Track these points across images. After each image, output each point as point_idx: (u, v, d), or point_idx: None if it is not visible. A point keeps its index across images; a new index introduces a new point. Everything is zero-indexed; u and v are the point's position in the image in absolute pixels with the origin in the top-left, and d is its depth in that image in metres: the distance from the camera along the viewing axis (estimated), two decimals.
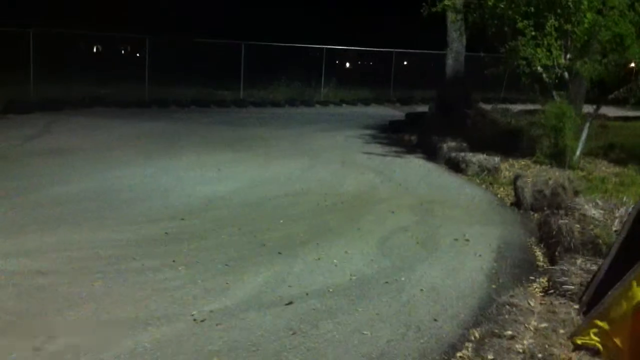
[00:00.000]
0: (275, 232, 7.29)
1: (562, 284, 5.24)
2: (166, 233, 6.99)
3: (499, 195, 10.05)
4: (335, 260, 6.37)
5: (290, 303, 5.17)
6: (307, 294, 5.39)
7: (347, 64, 28.22)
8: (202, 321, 4.72)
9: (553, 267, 5.84)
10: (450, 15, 15.95)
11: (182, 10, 28.81)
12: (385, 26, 27.99)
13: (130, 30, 25.73)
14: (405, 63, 29.86)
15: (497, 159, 11.75)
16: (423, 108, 22.50)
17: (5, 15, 21.96)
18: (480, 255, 6.83)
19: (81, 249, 6.26)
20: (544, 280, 5.87)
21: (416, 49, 28.19)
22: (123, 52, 27.21)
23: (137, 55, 26.69)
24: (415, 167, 12.47)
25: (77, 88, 20.61)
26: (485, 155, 11.93)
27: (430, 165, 12.65)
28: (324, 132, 16.94)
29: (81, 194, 8.53)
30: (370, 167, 11.96)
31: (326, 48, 26.45)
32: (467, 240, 7.41)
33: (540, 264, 6.73)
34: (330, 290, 5.54)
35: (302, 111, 23.11)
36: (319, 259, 6.39)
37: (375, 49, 28.40)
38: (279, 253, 6.50)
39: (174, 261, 6.04)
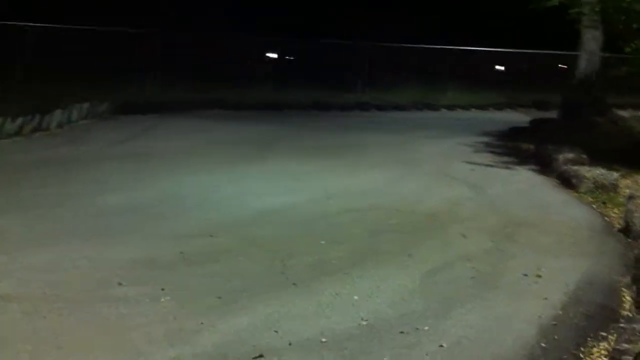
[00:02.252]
0: (308, 256, 6.31)
1: (623, 353, 3.83)
2: (181, 252, 6.22)
3: (607, 219, 8.38)
4: (356, 297, 5.28)
5: (259, 357, 4.17)
6: (289, 345, 4.36)
7: (479, 66, 26.44)
8: None
9: (622, 326, 4.38)
10: (585, 8, 14.07)
11: (307, 11, 28.44)
12: (520, 24, 25.82)
13: (259, 32, 25.65)
14: (540, 65, 27.46)
15: (615, 174, 9.93)
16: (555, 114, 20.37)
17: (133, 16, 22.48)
18: (546, 299, 5.43)
19: (75, 268, 5.63)
20: (614, 339, 4.45)
21: (555, 50, 25.80)
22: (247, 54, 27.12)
23: (267, 57, 26.63)
24: (520, 180, 10.92)
25: (197, 90, 20.57)
26: (602, 170, 10.13)
27: (538, 179, 11.03)
28: (435, 139, 15.62)
29: (131, 204, 8.00)
30: (465, 180, 10.61)
31: (456, 49, 24.91)
32: (539, 276, 6.01)
33: (625, 312, 5.24)
34: (323, 340, 4.47)
35: (424, 115, 21.77)
36: (337, 294, 5.34)
37: (509, 50, 26.33)
38: (294, 284, 5.52)
39: (162, 289, 5.23)
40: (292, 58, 30.85)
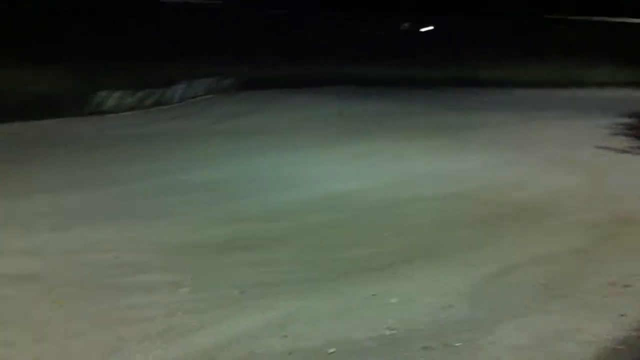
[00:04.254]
0: (361, 249, 5.78)
1: None
2: (232, 238, 5.93)
3: None
4: (393, 300, 4.69)
5: None
6: (288, 355, 3.90)
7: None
8: None
9: None
10: None
11: None
12: None
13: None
14: None
15: None
16: None
17: None
18: (623, 315, 4.52)
19: (106, 251, 5.49)
20: None
21: None
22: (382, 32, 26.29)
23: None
24: None
25: (321, 67, 20.26)
26: None
27: None
28: (568, 120, 14.19)
29: (198, 184, 7.89)
30: (585, 167, 9.44)
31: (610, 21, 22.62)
32: (628, 286, 5.06)
33: None
34: (330, 352, 3.95)
35: (565, 94, 19.95)
36: (374, 295, 4.77)
37: None
38: (331, 280, 5.03)
39: (191, 278, 4.96)
40: (429, 28, 29.67)
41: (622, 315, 4.52)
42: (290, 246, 5.75)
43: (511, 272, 5.32)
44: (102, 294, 4.62)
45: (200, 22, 20.12)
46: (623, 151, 10.72)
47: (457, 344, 4.06)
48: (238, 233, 6.06)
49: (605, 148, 10.89)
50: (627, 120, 14.16)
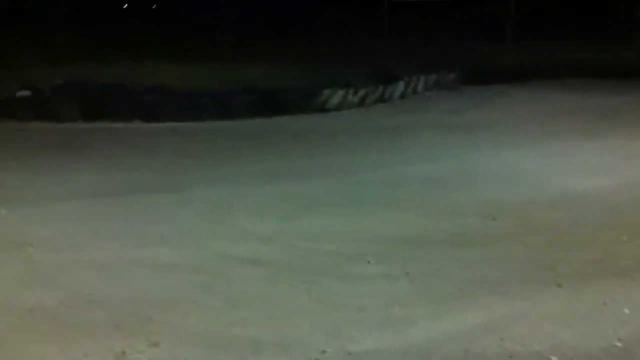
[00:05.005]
0: (593, 252, 5.37)
1: None
2: (451, 234, 5.83)
3: None
4: (626, 310, 4.27)
5: None
6: (509, 357, 3.66)
7: None
8: None
9: None
10: None
11: None
12: None
13: None
14: None
15: None
16: None
17: None
18: None
19: (330, 241, 5.67)
20: None
21: None
22: None
23: None
24: None
25: (554, 55, 19.04)
26: None
27: None
28: None
29: (419, 177, 7.86)
30: None
31: None
32: None
33: None
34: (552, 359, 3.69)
35: None
36: (605, 303, 4.38)
37: None
38: (558, 285, 4.69)
39: (408, 273, 4.94)
40: None
41: None
42: (514, 247, 5.50)
43: None
44: (323, 281, 4.76)
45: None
46: None
47: None
48: (460, 230, 5.94)
49: None
50: None
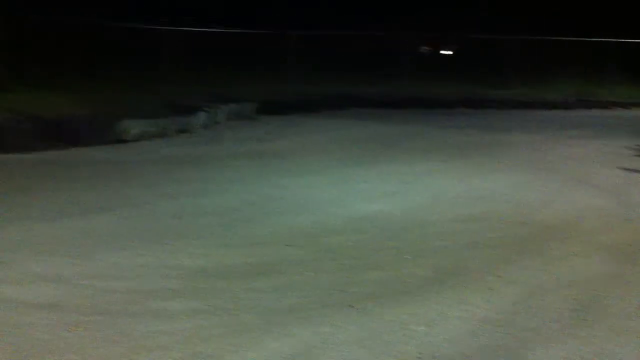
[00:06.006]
0: (382, 272, 5.76)
1: None
2: (247, 262, 5.92)
3: None
4: (414, 327, 4.61)
5: None
6: None
7: None
8: None
9: None
10: None
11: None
12: None
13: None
14: None
15: None
16: None
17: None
18: None
19: (126, 278, 5.48)
20: None
21: None
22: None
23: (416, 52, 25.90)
24: None
25: (334, 88, 20.32)
26: None
27: None
28: (588, 140, 14.13)
29: (224, 206, 7.88)
30: (607, 189, 9.38)
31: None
32: None
33: None
34: None
35: (577, 114, 19.81)
36: (393, 321, 4.69)
37: None
38: (350, 306, 4.97)
39: (210, 304, 4.94)
40: (449, 53, 29.91)
41: None
42: (309, 272, 5.71)
43: (535, 297, 5.24)
44: (111, 323, 4.58)
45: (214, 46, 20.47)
46: None
47: None
48: (256, 259, 6.04)
49: (627, 169, 10.83)
50: None
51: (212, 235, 6.78)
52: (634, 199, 8.79)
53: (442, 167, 10.67)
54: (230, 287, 5.33)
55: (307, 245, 6.47)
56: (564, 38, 22.38)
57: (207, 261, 5.93)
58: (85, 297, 4.99)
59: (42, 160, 10.36)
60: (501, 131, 15.17)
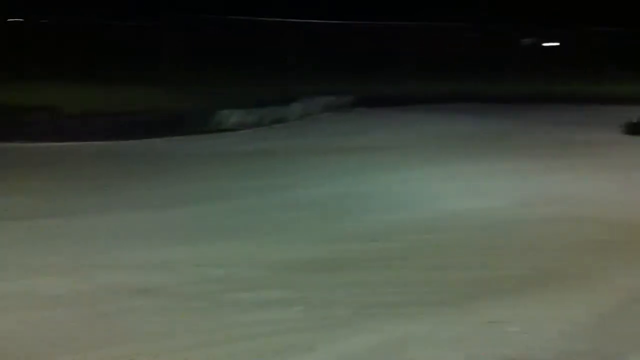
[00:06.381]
0: (477, 271, 5.58)
1: None
2: (337, 257, 5.90)
3: None
4: (517, 330, 4.41)
5: None
6: None
7: None
8: None
9: None
10: None
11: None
12: None
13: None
14: None
15: None
16: None
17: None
18: None
19: (223, 266, 5.60)
20: None
21: None
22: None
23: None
24: None
25: (440, 83, 19.99)
26: None
27: None
28: None
29: (314, 200, 7.92)
30: None
31: None
32: None
33: None
34: None
35: None
36: (489, 322, 4.53)
37: None
38: (443, 303, 4.84)
39: (301, 297, 4.96)
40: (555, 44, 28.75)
41: None
42: (400, 268, 5.63)
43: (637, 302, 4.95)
44: (216, 310, 4.66)
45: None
46: None
47: None
48: (350, 252, 6.02)
49: None
50: None
51: (306, 227, 6.82)
52: None
53: (546, 166, 10.24)
54: (321, 280, 5.34)
55: (398, 242, 6.37)
56: None
57: (298, 254, 5.96)
58: (185, 284, 5.13)
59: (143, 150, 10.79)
60: (604, 128, 14.30)
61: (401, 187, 8.65)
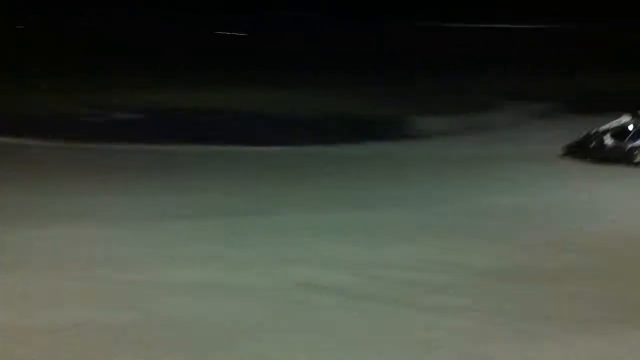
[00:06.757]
0: None
1: None
2: (531, 266, 5.65)
3: None
4: None
5: None
6: None
7: None
8: None
9: None
10: None
11: None
12: None
13: None
14: None
15: None
16: None
17: None
18: None
19: (410, 269, 5.51)
20: None
21: None
22: None
23: None
24: None
25: None
26: None
27: None
28: None
29: (510, 208, 7.59)
30: None
31: None
32: None
33: None
34: None
35: None
36: None
37: None
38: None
39: (490, 306, 4.74)
40: None
41: None
42: (600, 281, 5.18)
43: None
44: (401, 313, 4.61)
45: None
46: None
47: None
48: (549, 263, 5.77)
49: None
50: None
51: (505, 235, 6.60)
52: None
53: None
54: (514, 290, 5.12)
55: (599, 254, 5.93)
56: None
57: (490, 261, 5.78)
58: (369, 285, 5.18)
59: (340, 154, 11.00)
60: None
61: (610, 197, 8.01)
